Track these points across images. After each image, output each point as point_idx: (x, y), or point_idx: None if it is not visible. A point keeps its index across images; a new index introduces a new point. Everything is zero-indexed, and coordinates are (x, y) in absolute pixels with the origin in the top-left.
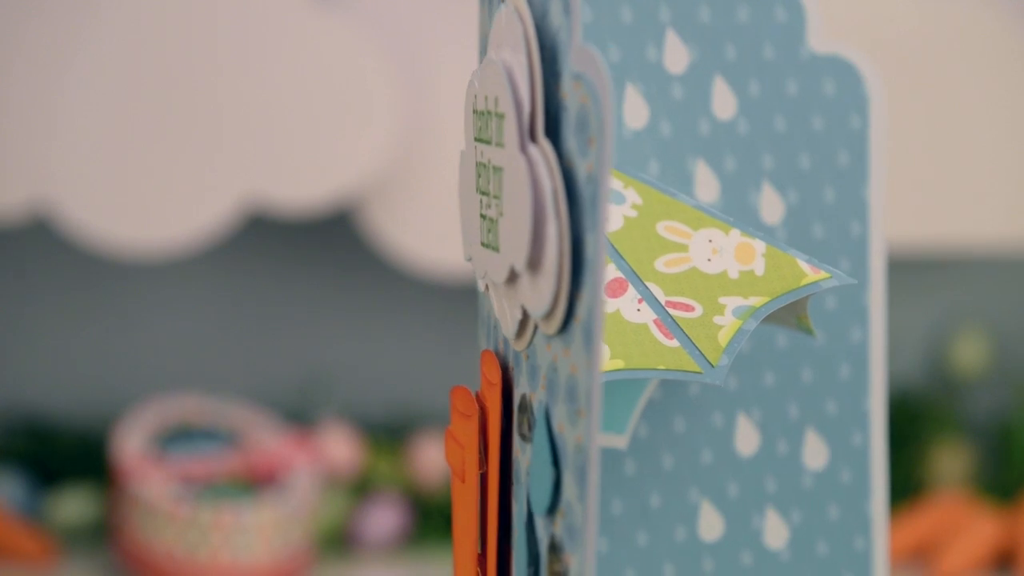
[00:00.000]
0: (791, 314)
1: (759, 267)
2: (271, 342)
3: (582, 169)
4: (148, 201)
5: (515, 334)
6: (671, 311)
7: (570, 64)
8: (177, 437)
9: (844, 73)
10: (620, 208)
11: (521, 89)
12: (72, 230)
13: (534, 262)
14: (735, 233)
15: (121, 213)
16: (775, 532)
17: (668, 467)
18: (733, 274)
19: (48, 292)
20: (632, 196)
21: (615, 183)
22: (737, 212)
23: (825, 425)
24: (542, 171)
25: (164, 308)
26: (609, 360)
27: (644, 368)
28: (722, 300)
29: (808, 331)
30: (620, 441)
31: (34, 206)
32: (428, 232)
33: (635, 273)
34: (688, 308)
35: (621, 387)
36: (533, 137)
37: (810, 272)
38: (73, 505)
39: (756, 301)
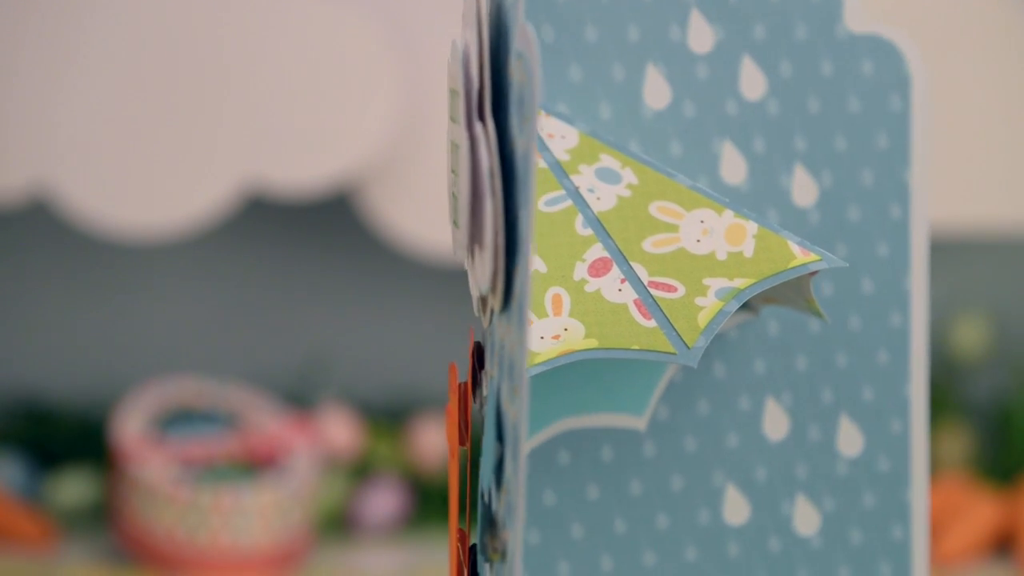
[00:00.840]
0: (799, 296)
1: (748, 248)
2: (271, 325)
3: (519, 147)
4: (147, 184)
5: (478, 310)
6: (653, 291)
7: (515, 42)
8: (177, 420)
9: (884, 53)
10: (614, 188)
11: (471, 67)
12: (71, 213)
13: (477, 239)
14: (728, 214)
15: (121, 196)
16: (806, 518)
17: (691, 450)
18: (721, 255)
19: (47, 275)
20: (628, 176)
21: (611, 162)
22: (767, 194)
23: (861, 411)
24: (482, 148)
25: (163, 291)
26: (583, 339)
27: (618, 348)
28: (706, 281)
29: (817, 314)
30: (639, 423)
31: (33, 189)
32: (428, 214)
33: (621, 253)
34: (671, 289)
35: (640, 368)
36: (481, 115)
37: (800, 254)
38: (73, 488)
39: (741, 283)
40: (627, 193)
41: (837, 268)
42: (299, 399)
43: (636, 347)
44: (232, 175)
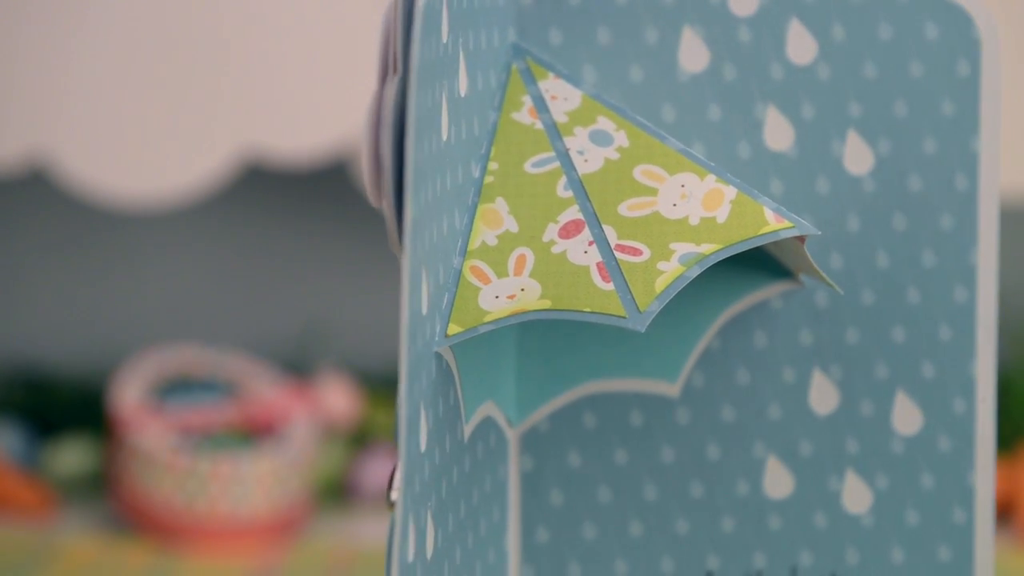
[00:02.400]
0: (808, 266)
1: (722, 214)
2: (270, 293)
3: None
4: (146, 152)
5: None
6: (617, 254)
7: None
8: (175, 388)
9: (950, 16)
10: (604, 150)
11: (389, 25)
12: (69, 181)
13: (379, 193)
14: (710, 179)
15: (119, 164)
16: (856, 496)
17: (728, 419)
18: (694, 220)
19: (45, 243)
20: (620, 139)
21: (607, 124)
22: (816, 161)
23: (919, 388)
24: (384, 105)
25: (162, 259)
26: (537, 300)
27: (569, 309)
28: (673, 245)
29: (827, 283)
30: (672, 389)
31: (31, 157)
32: None
33: (595, 215)
34: (636, 252)
35: (674, 334)
36: (394, 70)
37: (773, 221)
38: (71, 456)
39: (707, 248)
40: (615, 156)
41: (896, 240)
42: (298, 367)
43: (588, 309)
44: (230, 144)
